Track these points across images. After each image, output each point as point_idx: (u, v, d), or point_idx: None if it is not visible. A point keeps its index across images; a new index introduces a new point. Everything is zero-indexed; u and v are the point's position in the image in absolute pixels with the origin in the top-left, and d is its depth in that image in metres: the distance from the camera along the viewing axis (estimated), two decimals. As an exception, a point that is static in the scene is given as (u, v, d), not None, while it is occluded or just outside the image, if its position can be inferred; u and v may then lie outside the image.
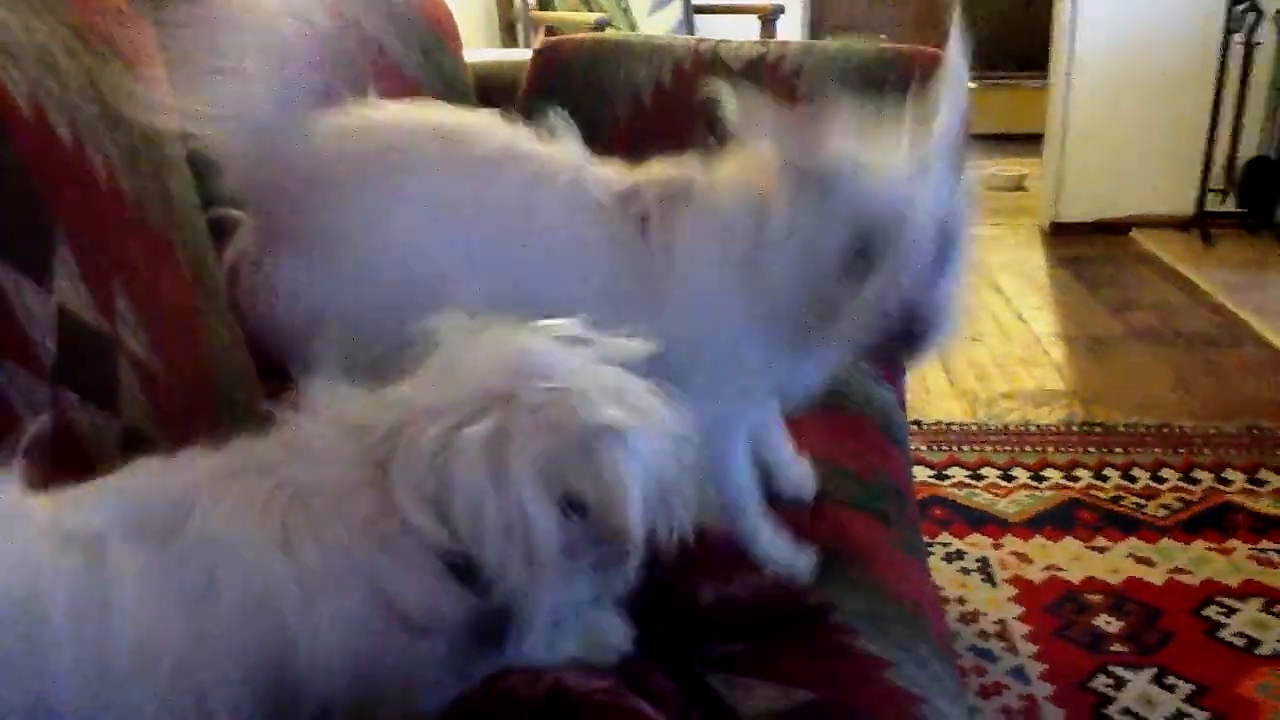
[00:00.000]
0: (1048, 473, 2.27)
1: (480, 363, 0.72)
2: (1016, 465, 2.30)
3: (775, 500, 1.04)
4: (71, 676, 0.59)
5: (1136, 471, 2.26)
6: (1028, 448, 2.38)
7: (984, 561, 1.95)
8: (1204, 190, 3.92)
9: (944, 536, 2.03)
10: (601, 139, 1.79)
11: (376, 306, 0.91)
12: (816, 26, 5.54)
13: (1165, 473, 2.25)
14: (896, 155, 0.89)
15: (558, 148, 1.01)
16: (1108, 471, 2.27)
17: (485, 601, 0.70)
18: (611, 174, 1.00)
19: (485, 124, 1.01)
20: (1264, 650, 1.69)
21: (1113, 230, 4.08)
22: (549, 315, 0.79)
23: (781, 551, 0.99)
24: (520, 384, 0.70)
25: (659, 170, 1.00)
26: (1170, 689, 1.61)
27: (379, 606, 0.67)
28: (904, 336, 0.86)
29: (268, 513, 0.66)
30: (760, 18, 3.69)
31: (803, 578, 0.98)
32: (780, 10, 3.69)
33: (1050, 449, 2.37)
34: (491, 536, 0.68)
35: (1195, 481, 2.22)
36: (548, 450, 0.68)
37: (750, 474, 1.00)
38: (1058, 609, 1.81)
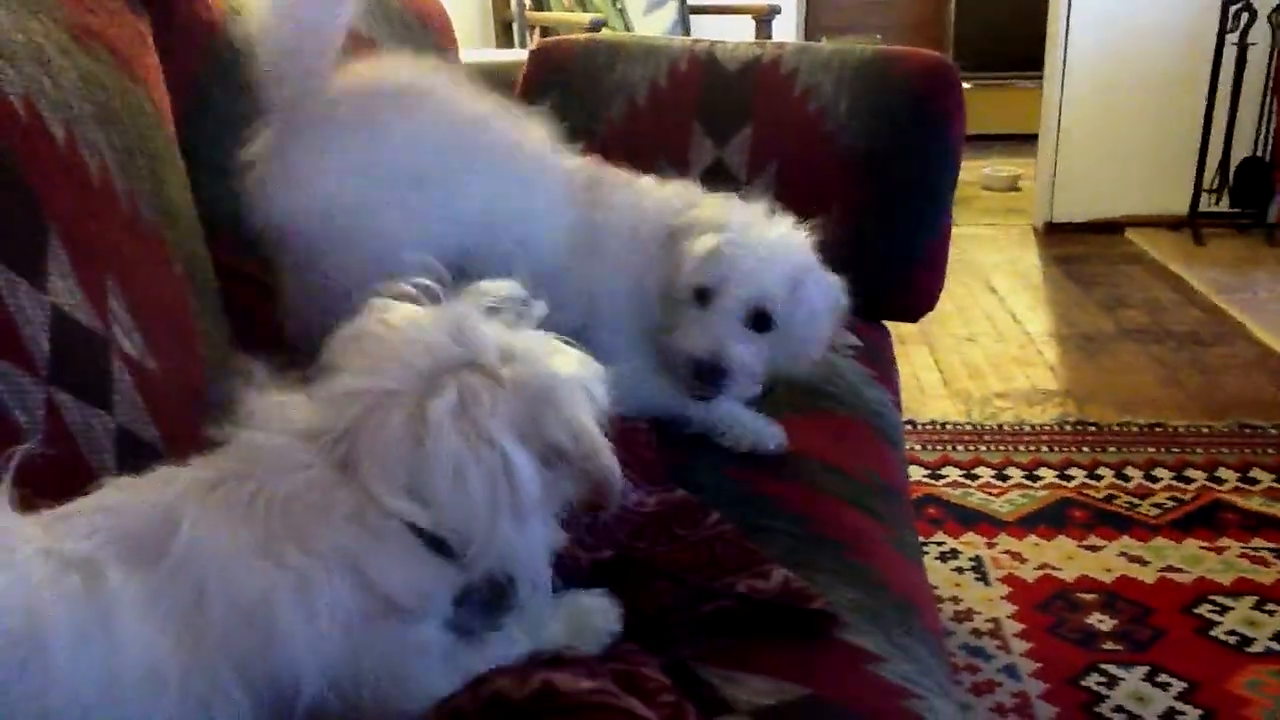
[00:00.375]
0: (1041, 472, 2.28)
1: (424, 338, 0.73)
2: (1010, 464, 2.31)
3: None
4: (78, 700, 0.59)
5: (1130, 470, 2.27)
6: (1021, 447, 2.39)
7: (978, 560, 1.96)
8: (1198, 190, 3.93)
9: (938, 536, 2.04)
10: (596, 138, 1.81)
11: (372, 199, 1.09)
12: (812, 28, 5.55)
13: (1158, 471, 2.26)
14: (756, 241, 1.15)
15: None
16: (1101, 470, 2.27)
17: (469, 574, 0.72)
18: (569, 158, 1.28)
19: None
20: (1255, 648, 1.69)
21: (1106, 230, 4.09)
22: (507, 230, 1.08)
23: (747, 420, 1.19)
24: (471, 351, 0.72)
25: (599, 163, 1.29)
26: (1162, 687, 1.61)
27: (368, 598, 0.68)
28: (709, 372, 1.12)
29: (249, 522, 0.66)
30: (756, 18, 3.69)
31: (774, 447, 1.18)
32: (776, 11, 3.69)
33: (1044, 448, 2.38)
34: (476, 499, 0.69)
35: (1188, 480, 2.23)
36: (518, 407, 0.71)
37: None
38: (1050, 607, 1.82)
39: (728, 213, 1.19)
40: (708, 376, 1.14)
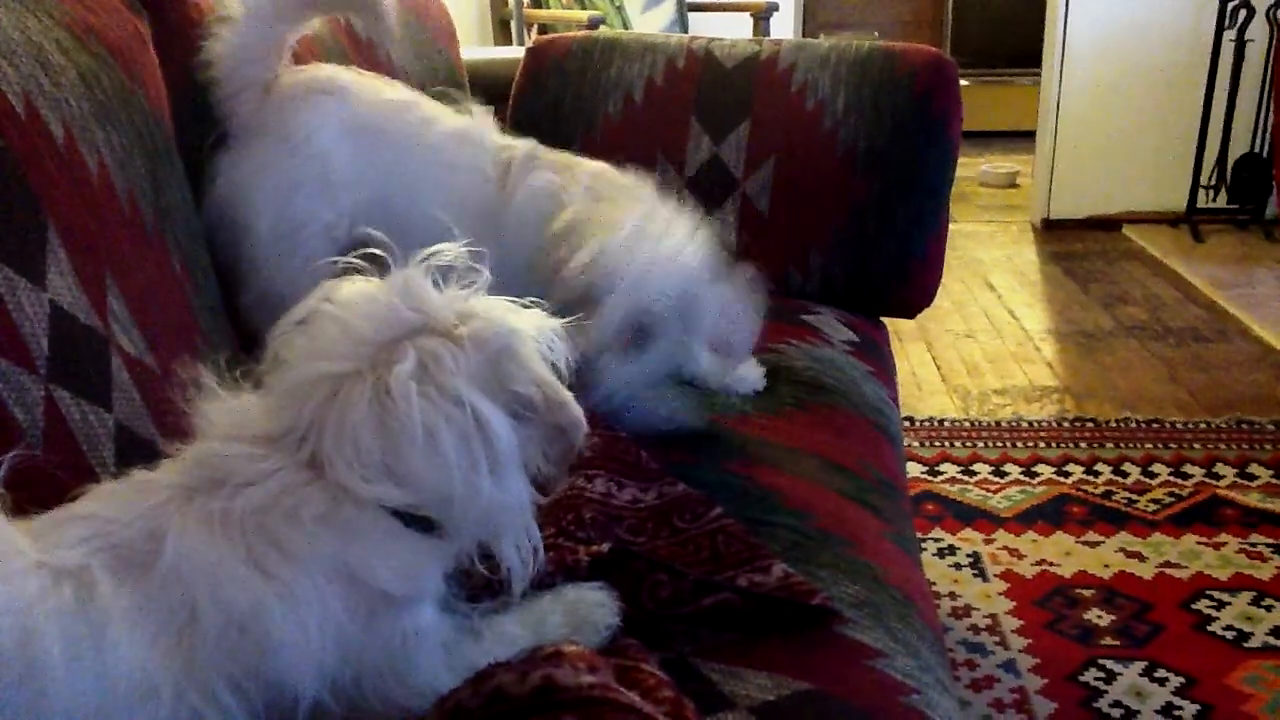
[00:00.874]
0: (1039, 468, 2.28)
1: (374, 308, 0.71)
2: (1008, 461, 2.31)
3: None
4: (72, 714, 0.59)
5: (1127, 466, 2.27)
6: (1019, 443, 2.39)
7: (975, 556, 1.96)
8: (1195, 187, 3.93)
9: (936, 532, 2.04)
10: (594, 134, 1.82)
11: (305, 194, 1.23)
12: (810, 25, 5.54)
13: (1156, 467, 2.27)
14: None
15: (461, 114, 1.32)
16: (1099, 466, 2.28)
17: (457, 545, 0.71)
18: (502, 137, 1.33)
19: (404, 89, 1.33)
20: (1253, 643, 1.70)
21: (1105, 227, 4.09)
22: (425, 215, 1.08)
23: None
24: (424, 314, 0.71)
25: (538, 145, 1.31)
26: (1160, 682, 1.62)
27: (359, 596, 0.68)
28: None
29: (229, 535, 0.66)
30: (754, 15, 3.69)
31: (752, 386, 1.23)
32: (774, 8, 3.69)
33: (1042, 444, 2.39)
34: (451, 461, 0.68)
35: (1186, 476, 2.23)
36: (479, 363, 0.70)
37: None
38: (1049, 603, 1.82)
39: (620, 215, 1.15)
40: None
